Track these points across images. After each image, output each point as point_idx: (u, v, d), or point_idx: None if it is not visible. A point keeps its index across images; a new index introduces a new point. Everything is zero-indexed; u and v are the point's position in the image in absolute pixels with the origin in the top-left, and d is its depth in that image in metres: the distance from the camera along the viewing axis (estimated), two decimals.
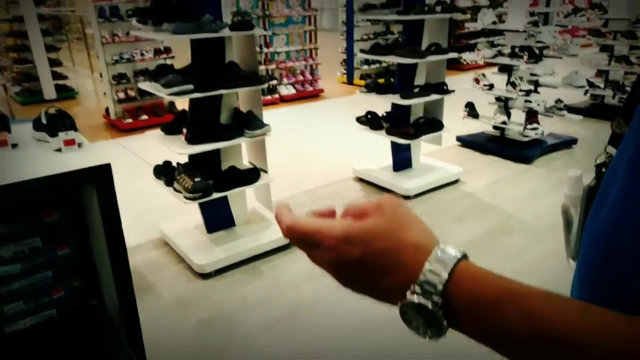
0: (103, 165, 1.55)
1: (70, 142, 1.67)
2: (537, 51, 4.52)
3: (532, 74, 4.70)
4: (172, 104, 6.51)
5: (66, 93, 8.26)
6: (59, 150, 1.65)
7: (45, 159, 1.62)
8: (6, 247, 1.62)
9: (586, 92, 6.07)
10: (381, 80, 4.18)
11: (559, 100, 4.84)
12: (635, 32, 5.67)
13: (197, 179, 2.79)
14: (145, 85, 2.94)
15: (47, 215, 1.70)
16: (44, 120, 1.73)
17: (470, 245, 3.18)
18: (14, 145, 1.70)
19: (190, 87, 2.64)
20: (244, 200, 3.31)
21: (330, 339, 2.39)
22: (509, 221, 3.56)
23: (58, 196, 1.69)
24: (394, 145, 4.09)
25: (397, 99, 3.78)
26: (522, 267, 2.92)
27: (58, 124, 1.69)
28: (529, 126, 4.56)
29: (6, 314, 1.62)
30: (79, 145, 1.70)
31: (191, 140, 2.77)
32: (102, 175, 1.56)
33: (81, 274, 1.81)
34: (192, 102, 2.91)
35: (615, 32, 5.79)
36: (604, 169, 0.58)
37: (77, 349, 1.66)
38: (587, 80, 5.72)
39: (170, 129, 3.02)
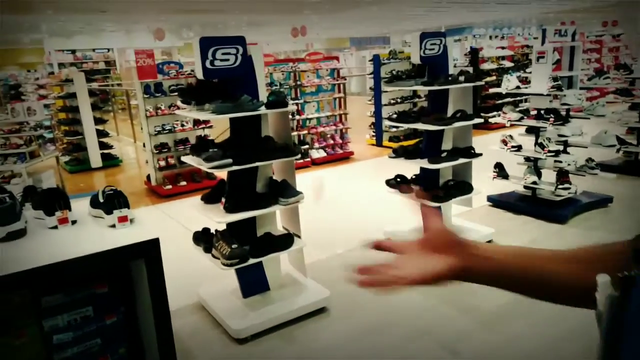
0: (152, 240, 1.70)
1: (123, 219, 1.83)
2: (563, 113, 4.60)
3: (559, 135, 4.75)
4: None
5: (111, 161, 8.78)
6: (113, 226, 1.82)
7: (100, 234, 1.78)
8: (61, 317, 1.75)
9: (618, 149, 6.03)
10: (410, 142, 4.31)
11: (590, 159, 4.84)
12: None
13: (234, 246, 2.92)
14: (188, 159, 3.17)
15: (99, 287, 1.84)
16: (101, 199, 1.91)
17: (503, 309, 3.13)
18: (74, 222, 1.88)
19: (230, 161, 2.84)
20: (278, 264, 3.41)
21: None
22: None
23: (111, 269, 1.84)
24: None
25: (425, 164, 3.89)
26: (561, 329, 2.84)
27: (114, 202, 1.87)
28: (560, 186, 4.56)
29: None
30: (131, 221, 1.86)
31: (229, 209, 2.94)
32: (150, 249, 1.70)
33: (127, 342, 1.92)
34: (231, 173, 3.10)
35: None
36: None
37: None
38: (618, 138, 5.70)
39: (209, 198, 3.21)
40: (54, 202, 1.87)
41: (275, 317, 3.05)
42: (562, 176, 4.60)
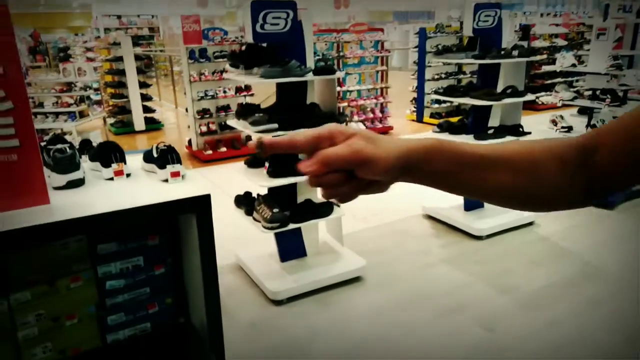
0: (204, 196, 1.74)
1: (176, 174, 1.88)
2: (620, 94, 4.36)
3: (614, 117, 4.52)
4: (248, 137, 6.90)
5: (153, 125, 9.00)
6: (166, 180, 1.87)
7: (154, 188, 1.83)
8: (114, 264, 1.83)
9: None
10: (454, 119, 4.21)
11: None
12: None
13: (275, 210, 2.97)
14: (233, 123, 3.21)
15: (150, 238, 1.90)
16: (154, 154, 1.97)
17: (546, 290, 3.08)
18: (128, 175, 1.95)
19: (275, 125, 2.86)
20: (316, 232, 3.44)
21: None
22: (586, 268, 3.40)
23: (162, 221, 1.91)
24: None
25: (470, 140, 3.80)
26: (600, 317, 2.78)
27: (167, 157, 1.92)
28: None
29: (109, 324, 1.82)
30: (183, 177, 1.91)
31: (272, 174, 2.97)
32: (202, 205, 1.75)
33: (173, 293, 2.00)
34: None
35: None
36: None
37: None
38: None
39: (252, 163, 3.25)
40: (110, 154, 1.94)
41: (311, 282, 3.11)
42: None
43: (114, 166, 1.89)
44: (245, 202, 3.24)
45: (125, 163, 1.95)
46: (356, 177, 0.54)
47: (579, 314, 2.83)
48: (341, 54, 7.68)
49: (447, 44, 7.79)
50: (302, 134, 0.52)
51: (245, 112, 3.11)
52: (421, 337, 2.70)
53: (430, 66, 8.56)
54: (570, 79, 9.40)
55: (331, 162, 0.51)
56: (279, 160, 3.02)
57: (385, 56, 8.25)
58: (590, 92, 4.63)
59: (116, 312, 1.85)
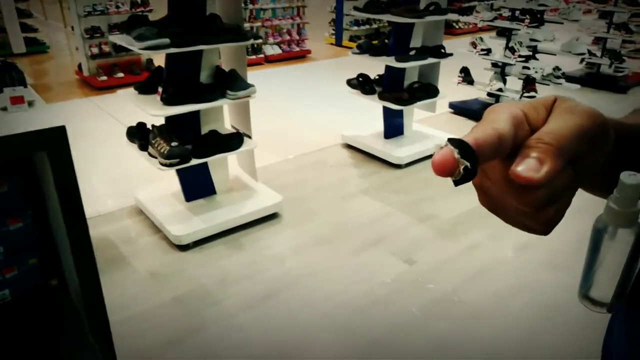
0: (56, 128, 1.30)
1: (18, 100, 1.41)
2: (538, 15, 4.27)
3: (531, 39, 4.48)
4: (150, 61, 6.13)
5: (36, 47, 7.74)
6: (5, 109, 1.40)
7: None
8: None
9: (582, 60, 5.88)
10: (375, 42, 3.91)
11: (556, 68, 4.65)
12: None
13: (173, 144, 2.55)
14: (116, 38, 2.65)
15: None
16: None
17: (465, 217, 3.04)
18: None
19: (167, 41, 2.36)
20: (226, 167, 3.09)
21: (314, 320, 2.24)
22: None
23: (8, 164, 1.45)
24: (386, 111, 3.88)
25: (391, 62, 3.53)
26: (518, 241, 2.79)
27: (4, 78, 1.43)
28: (526, 94, 4.37)
29: None
30: (30, 104, 1.44)
31: (167, 100, 2.52)
32: (54, 140, 1.31)
33: (39, 251, 1.60)
34: (169, 58, 2.63)
35: None
36: None
37: (32, 333, 1.47)
38: (587, 49, 5.52)
39: (144, 88, 2.75)
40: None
41: (221, 223, 2.80)
42: (529, 84, 4.39)
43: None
44: (139, 135, 2.77)
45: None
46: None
47: (497, 238, 2.82)
48: None
49: None
50: (500, 120, 0.33)
51: (131, 25, 2.55)
52: (341, 274, 2.55)
53: None
54: (489, 1, 9.35)
55: (567, 144, 0.32)
56: (174, 84, 2.55)
57: None
58: (509, 14, 4.51)
59: None
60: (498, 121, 0.33)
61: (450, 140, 0.30)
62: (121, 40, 2.55)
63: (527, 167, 0.31)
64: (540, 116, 0.34)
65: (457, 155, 0.29)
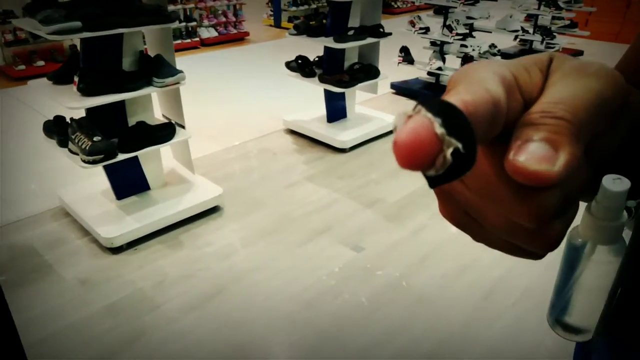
0: None
1: None
2: None
3: (468, 17, 4.51)
4: (73, 47, 5.67)
5: None
6: None
7: None
8: None
9: (516, 37, 6.03)
10: (312, 23, 3.77)
11: (492, 45, 4.72)
12: None
13: (96, 138, 2.33)
14: (21, 23, 2.36)
15: None
16: None
17: (410, 199, 3.02)
18: None
19: (78, 24, 2.12)
20: (159, 159, 2.88)
21: (261, 316, 2.14)
22: None
23: None
24: (328, 94, 3.78)
25: (330, 42, 3.42)
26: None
27: None
28: None
29: None
30: None
31: (85, 91, 2.28)
32: None
33: None
34: (85, 43, 2.38)
35: None
36: None
37: None
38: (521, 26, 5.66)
39: (60, 77, 2.48)
40: None
41: (157, 221, 2.61)
42: (466, 62, 4.43)
43: None
44: (57, 129, 2.51)
45: None
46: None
47: (441, 218, 2.82)
48: None
49: None
50: (488, 79, 0.21)
51: (37, 7, 2.27)
52: (287, 266, 2.45)
53: None
54: None
55: (587, 118, 0.21)
56: (92, 72, 2.31)
57: None
58: None
59: None
60: (485, 80, 0.21)
61: (423, 102, 0.17)
62: (26, 25, 2.27)
63: (536, 156, 0.19)
64: (534, 81, 0.23)
65: (440, 130, 0.17)
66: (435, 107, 0.17)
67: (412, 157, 0.17)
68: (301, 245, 2.61)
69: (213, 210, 2.84)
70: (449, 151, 0.17)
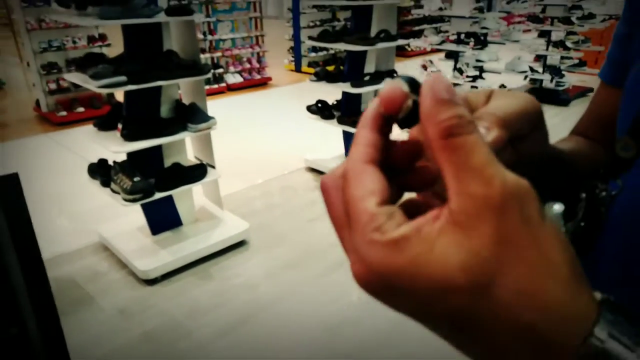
0: (8, 176, 1.32)
1: None
2: (482, 37, 4.55)
3: (477, 60, 4.75)
4: (110, 95, 6.09)
5: None
6: None
7: None
8: None
9: (526, 76, 6.23)
10: (330, 68, 4.06)
11: (502, 86, 4.93)
12: (570, 18, 5.86)
13: (136, 179, 2.58)
14: (72, 77, 2.67)
15: None
16: None
17: None
18: None
19: (123, 78, 2.41)
20: (191, 197, 3.12)
21: (286, 343, 2.28)
22: None
23: None
24: (346, 135, 4.01)
25: (347, 88, 3.68)
26: None
27: None
28: None
29: None
30: None
31: (128, 136, 2.55)
32: (7, 188, 1.33)
33: None
34: (128, 94, 2.67)
35: (552, 18, 5.96)
36: (603, 209, 0.45)
37: None
38: (529, 66, 5.87)
39: (104, 124, 2.77)
40: None
41: (189, 254, 2.82)
42: None
43: None
44: (101, 171, 2.78)
45: None
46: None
47: None
48: None
49: None
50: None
51: (87, 63, 2.59)
52: (310, 296, 2.60)
53: (304, 13, 8.28)
54: (436, 24, 9.81)
55: (512, 117, 0.30)
56: (134, 120, 2.59)
57: (258, 1, 7.75)
58: (455, 37, 4.77)
59: None
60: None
61: (399, 75, 0.28)
62: (77, 79, 2.57)
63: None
64: (480, 101, 0.32)
65: (405, 89, 0.26)
66: (405, 78, 0.27)
67: (389, 103, 0.26)
68: (322, 277, 2.77)
69: (240, 244, 3.04)
70: (410, 101, 0.26)
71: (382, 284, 0.24)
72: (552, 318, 0.21)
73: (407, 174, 0.28)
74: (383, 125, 0.27)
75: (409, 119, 0.26)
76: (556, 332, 0.21)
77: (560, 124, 4.91)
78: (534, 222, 0.22)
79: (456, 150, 0.22)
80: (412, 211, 0.25)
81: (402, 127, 0.27)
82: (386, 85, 0.27)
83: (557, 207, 0.32)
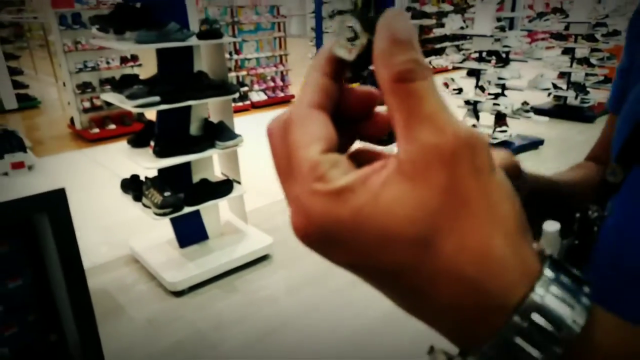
0: (56, 191, 1.44)
1: (18, 165, 1.55)
2: (503, 55, 4.59)
3: (499, 78, 4.77)
4: (140, 113, 6.34)
5: (28, 102, 7.94)
6: (6, 174, 1.53)
7: None
8: None
9: (549, 94, 6.21)
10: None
11: (525, 103, 4.93)
12: (594, 35, 5.84)
13: (166, 194, 2.69)
14: (109, 97, 2.82)
15: None
16: None
17: None
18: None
19: (157, 98, 2.55)
20: (217, 212, 3.22)
21: (310, 356, 2.33)
22: None
23: (8, 225, 1.57)
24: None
25: None
26: None
27: (4, 145, 1.57)
28: (498, 129, 4.63)
29: None
30: (30, 167, 1.58)
31: (159, 153, 2.67)
32: (55, 202, 1.45)
33: (37, 308, 1.69)
34: (160, 113, 2.81)
35: (576, 35, 5.95)
36: (595, 228, 0.50)
37: None
38: (552, 83, 5.85)
39: (137, 141, 2.91)
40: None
41: (215, 268, 2.91)
42: (500, 119, 4.66)
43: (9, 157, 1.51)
44: (133, 186, 2.91)
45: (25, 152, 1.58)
46: None
47: None
48: (235, 19, 7.26)
49: (342, 9, 7.70)
50: None
51: (122, 83, 2.74)
52: (333, 310, 2.65)
53: (327, 32, 8.44)
54: (457, 42, 9.86)
55: None
56: (165, 137, 2.72)
57: (282, 22, 7.97)
58: (477, 55, 4.82)
59: None
60: None
61: (354, 11, 0.30)
62: (114, 99, 2.73)
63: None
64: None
65: (358, 28, 0.23)
66: (357, 14, 0.24)
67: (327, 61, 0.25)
68: (344, 291, 2.81)
69: (264, 258, 3.12)
70: (364, 40, 0.23)
71: (322, 236, 0.22)
72: (495, 273, 0.20)
73: (363, 121, 0.27)
74: (337, 68, 0.25)
75: (363, 60, 0.23)
76: (497, 287, 0.20)
77: (585, 141, 4.87)
78: (484, 173, 0.21)
79: (408, 96, 0.21)
80: (361, 162, 0.23)
81: (354, 70, 0.24)
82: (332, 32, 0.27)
83: (554, 226, 0.38)
